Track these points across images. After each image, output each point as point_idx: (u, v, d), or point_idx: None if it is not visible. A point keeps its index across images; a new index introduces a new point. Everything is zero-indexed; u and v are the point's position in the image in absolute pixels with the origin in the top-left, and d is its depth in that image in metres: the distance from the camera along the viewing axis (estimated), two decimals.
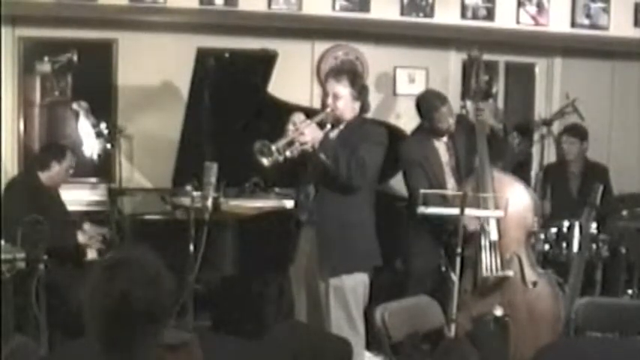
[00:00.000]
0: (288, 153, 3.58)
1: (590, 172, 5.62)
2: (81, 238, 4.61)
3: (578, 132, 5.63)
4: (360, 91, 3.79)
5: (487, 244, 4.23)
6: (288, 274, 3.95)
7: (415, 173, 4.49)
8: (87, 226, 4.75)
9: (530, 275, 4.26)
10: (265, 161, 3.53)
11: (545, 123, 5.98)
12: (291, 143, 3.60)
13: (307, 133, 3.61)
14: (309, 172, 3.77)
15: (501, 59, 6.35)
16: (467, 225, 4.11)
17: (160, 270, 1.86)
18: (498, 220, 4.22)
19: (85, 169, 5.26)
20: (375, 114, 5.16)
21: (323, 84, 4.05)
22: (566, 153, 5.63)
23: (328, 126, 3.74)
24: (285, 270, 3.97)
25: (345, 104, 3.74)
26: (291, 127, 3.62)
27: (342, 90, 3.73)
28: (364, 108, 3.86)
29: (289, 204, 4.64)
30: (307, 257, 3.81)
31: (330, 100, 3.74)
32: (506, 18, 6.04)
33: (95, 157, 5.01)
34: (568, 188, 5.67)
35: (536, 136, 6.20)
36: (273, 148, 3.51)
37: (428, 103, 4.58)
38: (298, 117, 3.67)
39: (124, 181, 5.08)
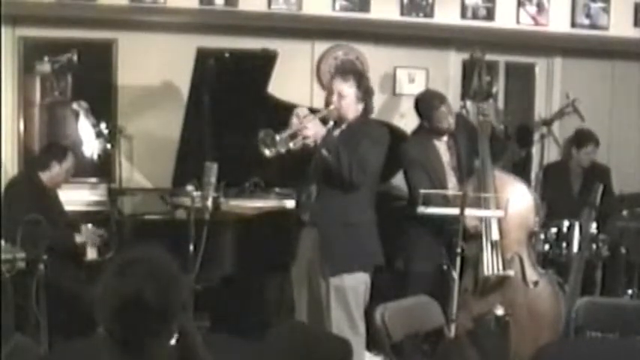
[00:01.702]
0: (291, 145, 3.59)
1: (592, 172, 5.64)
2: (78, 239, 4.60)
3: (597, 142, 5.66)
4: (365, 93, 3.80)
5: (488, 243, 4.23)
6: (288, 273, 3.95)
7: (416, 173, 4.49)
8: (84, 228, 4.72)
9: (531, 275, 4.26)
10: (267, 152, 3.54)
11: (545, 123, 5.98)
12: (294, 136, 3.61)
13: (310, 127, 3.63)
14: (310, 170, 3.78)
15: (501, 59, 6.34)
16: (467, 221, 4.12)
17: (173, 268, 1.87)
18: (500, 220, 4.22)
19: (85, 169, 5.26)
20: (377, 114, 5.15)
21: (328, 82, 4.07)
22: (583, 162, 5.66)
23: (331, 123, 3.74)
24: (285, 270, 3.97)
25: (349, 104, 3.75)
26: (294, 120, 3.65)
27: (348, 89, 3.74)
28: (367, 110, 3.86)
29: (289, 204, 4.64)
30: (308, 257, 3.81)
31: (334, 98, 3.75)
32: (506, 18, 6.04)
33: (95, 157, 5.01)
34: (570, 188, 5.68)
35: (536, 136, 6.20)
36: (277, 138, 3.52)
37: (427, 103, 4.59)
38: (302, 111, 3.70)
39: (124, 181, 5.08)
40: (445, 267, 4.31)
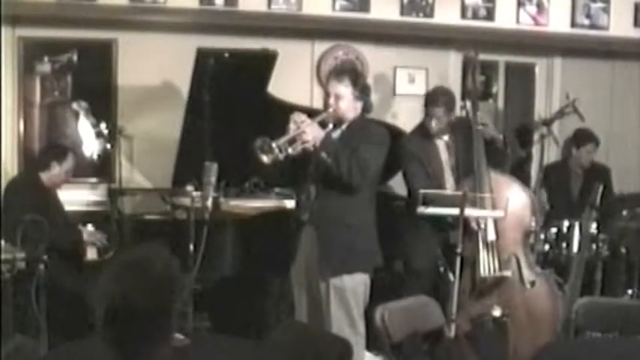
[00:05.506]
0: (289, 150, 3.58)
1: (592, 172, 5.64)
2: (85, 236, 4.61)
3: (596, 141, 5.68)
4: (362, 91, 3.79)
5: (485, 244, 4.23)
6: (288, 274, 3.95)
7: (415, 169, 4.49)
8: (84, 229, 4.72)
9: (528, 275, 4.25)
10: (265, 158, 3.53)
11: (545, 123, 5.98)
12: (292, 141, 3.60)
13: (308, 132, 3.62)
14: (310, 171, 3.78)
15: (501, 59, 6.35)
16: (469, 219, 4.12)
17: (168, 270, 1.84)
18: (495, 221, 4.22)
19: (85, 169, 5.26)
20: (374, 114, 5.15)
21: (324, 84, 4.05)
22: (583, 161, 5.68)
23: (330, 126, 3.74)
24: (285, 270, 3.97)
25: (347, 104, 3.74)
26: (292, 125, 3.63)
27: (344, 90, 3.73)
28: (366, 108, 3.86)
29: (289, 204, 4.64)
30: (308, 257, 3.81)
31: (332, 101, 3.74)
32: (506, 18, 6.04)
33: (95, 157, 5.01)
34: (570, 188, 5.69)
35: (536, 136, 6.20)
36: (274, 145, 3.52)
37: (427, 100, 4.58)
38: (299, 116, 3.67)
39: (124, 181, 5.08)
40: (442, 269, 4.30)
